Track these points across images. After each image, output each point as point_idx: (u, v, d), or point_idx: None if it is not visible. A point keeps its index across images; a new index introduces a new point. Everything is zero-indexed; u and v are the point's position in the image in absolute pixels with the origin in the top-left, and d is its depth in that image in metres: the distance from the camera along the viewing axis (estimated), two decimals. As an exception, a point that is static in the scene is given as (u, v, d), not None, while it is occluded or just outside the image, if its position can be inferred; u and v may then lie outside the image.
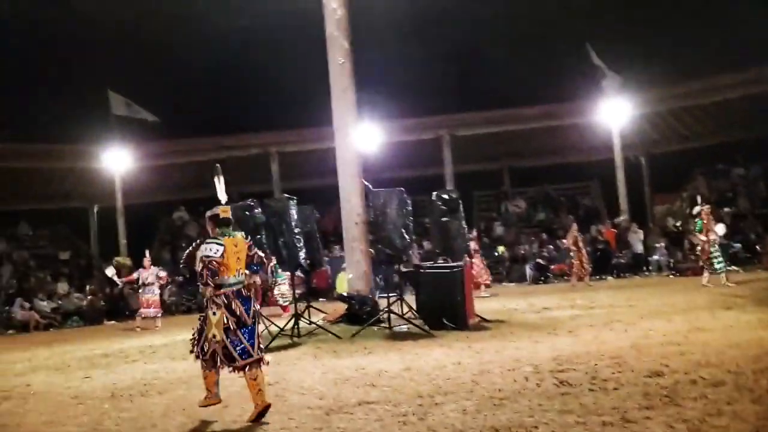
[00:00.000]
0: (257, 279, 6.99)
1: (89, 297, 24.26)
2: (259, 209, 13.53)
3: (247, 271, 6.79)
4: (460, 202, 13.65)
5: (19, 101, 29.00)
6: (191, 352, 6.90)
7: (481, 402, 6.44)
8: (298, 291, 15.97)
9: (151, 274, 18.02)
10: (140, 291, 18.24)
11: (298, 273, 15.50)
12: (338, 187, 14.66)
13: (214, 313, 6.58)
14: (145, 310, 17.94)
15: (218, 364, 6.67)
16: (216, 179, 7.33)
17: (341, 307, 14.51)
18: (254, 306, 6.76)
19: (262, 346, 6.88)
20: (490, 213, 31.01)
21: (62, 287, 25.30)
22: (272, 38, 25.90)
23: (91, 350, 13.79)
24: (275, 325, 13.18)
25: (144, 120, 26.82)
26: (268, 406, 6.48)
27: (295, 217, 13.16)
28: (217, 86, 30.78)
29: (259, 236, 13.42)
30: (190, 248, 7.02)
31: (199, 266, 6.63)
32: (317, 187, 26.87)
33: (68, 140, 27.70)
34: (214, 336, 6.54)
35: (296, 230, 13.07)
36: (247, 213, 13.61)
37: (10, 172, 27.02)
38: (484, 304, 15.31)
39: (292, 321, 12.80)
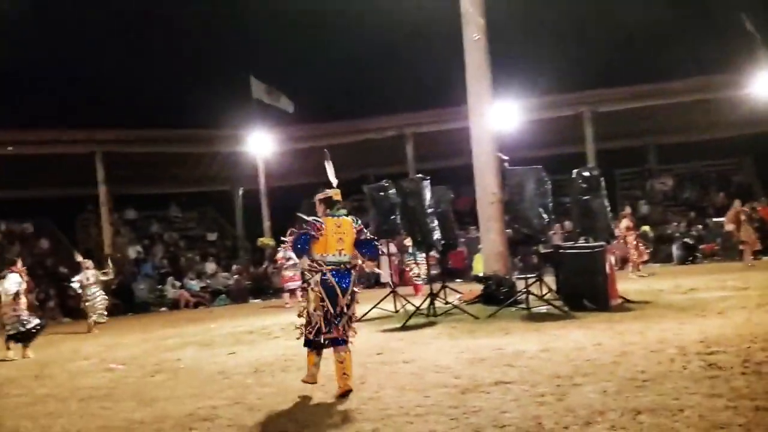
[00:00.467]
0: (369, 264, 7.11)
1: (235, 276, 25.23)
2: (394, 190, 13.59)
3: (350, 254, 6.90)
4: (602, 180, 13.18)
5: (171, 89, 30.43)
6: (300, 336, 7.00)
7: (622, 383, 6.18)
8: (433, 271, 15.96)
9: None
10: (285, 269, 18.78)
11: (433, 253, 15.47)
12: (473, 166, 14.51)
13: (311, 290, 6.75)
14: (290, 284, 18.44)
15: (319, 342, 6.76)
16: (326, 163, 7.55)
17: (477, 288, 14.41)
18: (353, 288, 6.83)
19: (352, 329, 6.94)
20: (633, 191, 29.90)
21: (210, 267, 26.42)
22: (407, 19, 25.86)
23: (236, 327, 14.30)
24: (411, 303, 13.23)
25: (283, 107, 27.46)
26: (349, 391, 6.61)
27: (429, 197, 13.09)
28: (353, 69, 31.16)
29: (393, 217, 13.53)
30: (299, 228, 7.10)
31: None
32: (452, 167, 26.76)
33: (214, 125, 28.76)
34: (315, 310, 6.71)
35: (430, 210, 13.01)
36: (381, 194, 13.73)
37: (162, 156, 28.36)
38: (628, 284, 14.75)
39: (428, 300, 12.79)
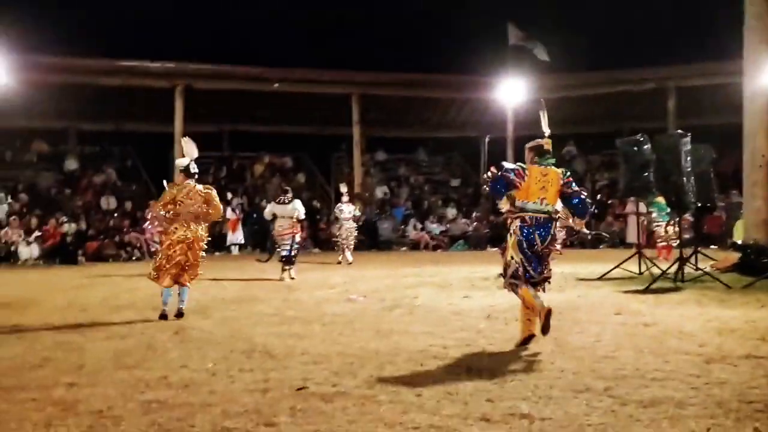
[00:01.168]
0: (578, 221, 7.11)
1: (475, 223, 25.39)
2: (648, 145, 12.86)
3: (552, 203, 6.83)
4: None
5: (425, 33, 30.85)
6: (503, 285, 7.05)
7: None
8: (685, 235, 15.03)
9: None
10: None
11: (688, 216, 14.57)
12: (742, 126, 13.39)
13: (510, 236, 6.84)
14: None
15: (518, 284, 6.75)
16: (541, 113, 7.59)
17: (734, 256, 13.40)
18: (553, 236, 6.78)
19: (547, 276, 6.92)
20: None
21: (451, 212, 26.82)
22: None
23: (472, 273, 14.41)
24: (657, 266, 12.58)
25: (539, 55, 26.84)
26: (531, 336, 6.67)
27: (688, 155, 12.24)
28: (612, 18, 29.78)
29: (646, 173, 12.83)
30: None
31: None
32: (717, 125, 24.82)
33: (467, 71, 28.79)
34: (512, 257, 6.76)
35: (688, 170, 12.16)
36: (634, 148, 13.06)
37: (414, 100, 28.97)
38: None
39: (677, 265, 12.07)
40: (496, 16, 27.29)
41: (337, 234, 17.96)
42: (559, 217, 7.02)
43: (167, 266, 8.68)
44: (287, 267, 13.82)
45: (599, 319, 8.30)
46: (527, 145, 7.15)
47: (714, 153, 14.47)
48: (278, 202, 14.12)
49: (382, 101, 28.73)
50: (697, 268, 12.54)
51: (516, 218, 6.81)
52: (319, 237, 25.03)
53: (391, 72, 27.97)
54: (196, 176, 9.04)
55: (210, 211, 8.92)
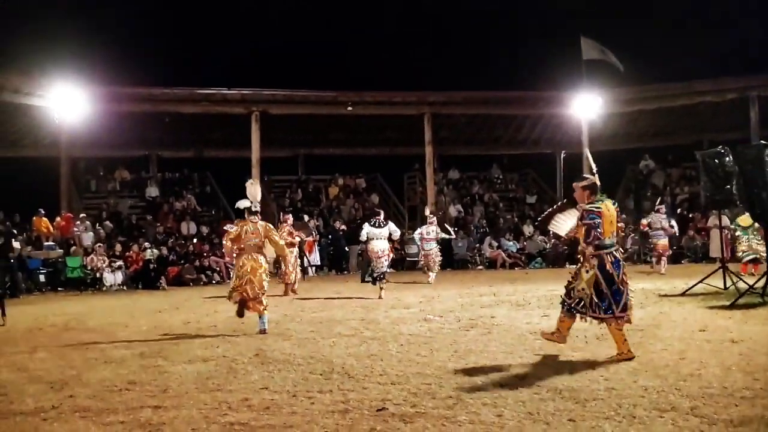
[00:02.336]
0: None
1: (552, 240, 25.04)
2: (730, 157, 12.51)
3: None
4: None
5: (496, 51, 30.78)
6: (562, 303, 7.38)
7: None
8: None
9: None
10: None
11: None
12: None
13: (587, 271, 7.10)
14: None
15: (580, 313, 7.12)
16: (587, 153, 8.31)
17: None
18: (623, 269, 7.11)
19: (628, 305, 7.06)
20: None
21: (528, 229, 26.52)
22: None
23: (550, 291, 14.22)
24: (743, 281, 12.19)
25: (613, 66, 26.47)
26: (630, 358, 6.82)
27: (772, 166, 11.84)
28: (687, 28, 29.21)
29: (728, 186, 12.48)
30: (554, 207, 7.82)
31: (581, 229, 7.24)
32: (803, 134, 24.06)
33: (540, 87, 28.61)
34: (583, 289, 7.07)
35: (773, 181, 11.77)
36: (716, 161, 12.73)
37: (486, 118, 28.90)
38: None
39: (764, 280, 11.67)
40: (568, 30, 27.10)
41: (421, 255, 18.31)
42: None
43: (239, 287, 9.77)
44: (383, 286, 14.35)
45: (683, 336, 8.10)
46: (580, 184, 7.42)
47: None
48: (373, 225, 14.67)
49: (454, 120, 28.75)
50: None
51: (595, 255, 7.09)
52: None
53: (463, 90, 28.00)
54: (258, 214, 10.15)
55: (271, 245, 10.13)
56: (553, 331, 7.43)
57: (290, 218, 16.93)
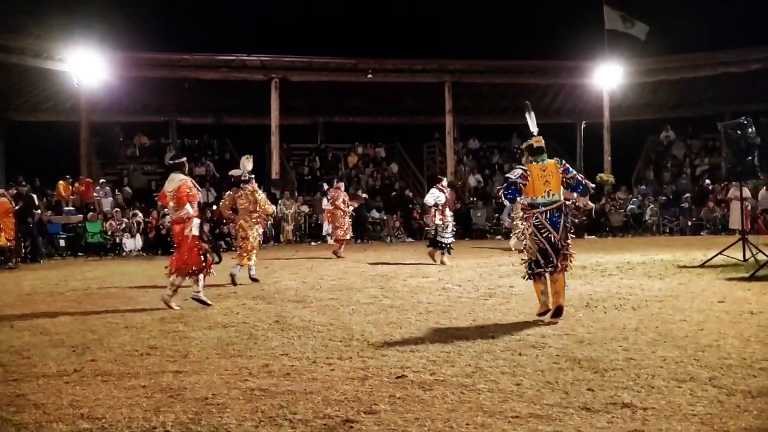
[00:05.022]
0: (582, 199, 7.43)
1: (573, 210, 24.97)
2: (753, 128, 12.39)
3: (557, 192, 7.55)
4: None
5: (520, 19, 30.43)
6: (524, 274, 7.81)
7: None
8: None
9: None
10: None
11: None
12: None
13: (526, 229, 7.59)
14: None
15: (537, 275, 7.56)
16: (527, 114, 8.21)
17: None
18: (565, 223, 7.58)
19: (570, 258, 7.67)
20: None
21: (546, 199, 26.39)
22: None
23: (569, 261, 14.18)
24: (763, 253, 12.10)
25: (637, 35, 26.14)
26: (559, 307, 7.43)
27: (796, 137, 11.74)
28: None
29: (750, 158, 12.39)
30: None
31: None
32: (827, 106, 23.79)
33: (562, 56, 28.35)
34: (528, 247, 7.57)
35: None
36: (738, 132, 12.61)
37: (507, 87, 28.73)
38: None
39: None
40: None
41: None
42: (565, 203, 7.71)
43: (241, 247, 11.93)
44: (449, 253, 14.66)
45: (702, 307, 8.08)
46: (521, 146, 7.77)
47: (824, 135, 13.81)
48: (442, 190, 14.67)
49: (475, 89, 28.57)
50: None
51: (528, 215, 7.58)
52: (411, 226, 25.12)
53: (484, 59, 27.79)
54: (251, 182, 12.01)
55: (258, 208, 11.89)
56: (540, 305, 7.64)
57: (342, 186, 18.27)
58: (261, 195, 12.08)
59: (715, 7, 28.59)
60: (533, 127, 8.02)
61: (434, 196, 14.54)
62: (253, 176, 12.16)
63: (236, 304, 9.35)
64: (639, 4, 26.31)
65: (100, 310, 9.21)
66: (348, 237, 17.78)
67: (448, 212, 14.78)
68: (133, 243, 20.52)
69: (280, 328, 7.55)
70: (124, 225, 20.70)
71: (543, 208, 7.51)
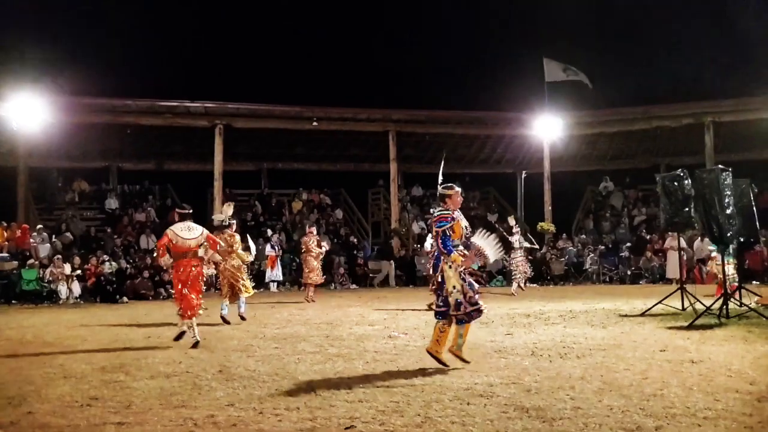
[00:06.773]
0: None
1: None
2: (689, 180, 12.79)
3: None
4: None
5: (460, 72, 31.01)
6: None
7: None
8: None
9: None
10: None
11: (729, 251, 14.36)
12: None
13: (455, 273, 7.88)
14: None
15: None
16: (441, 164, 9.12)
17: (778, 292, 13.20)
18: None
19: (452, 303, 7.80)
20: None
21: (489, 248, 26.63)
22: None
23: (513, 309, 14.33)
24: (700, 302, 12.41)
25: (579, 84, 26.82)
26: (434, 357, 7.80)
27: (729, 190, 12.13)
28: (647, 53, 29.83)
29: (687, 209, 12.75)
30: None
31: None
32: (757, 160, 24.75)
33: (502, 108, 28.95)
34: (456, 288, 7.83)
35: (729, 204, 12.05)
36: (675, 184, 13.00)
37: (449, 137, 29.09)
38: None
39: (721, 301, 11.91)
40: (530, 53, 27.49)
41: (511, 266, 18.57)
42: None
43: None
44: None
45: (644, 356, 8.21)
46: (445, 193, 7.98)
47: (755, 188, 14.32)
48: None
49: (416, 138, 28.89)
50: (742, 304, 12.37)
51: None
52: (356, 273, 25.08)
53: (425, 110, 28.19)
54: (231, 227, 13.18)
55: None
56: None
57: (314, 230, 18.85)
58: (238, 243, 13.15)
59: (648, 64, 29.70)
60: (440, 176, 8.59)
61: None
62: (234, 221, 13.48)
63: (178, 353, 9.17)
64: (576, 59, 27.09)
65: (37, 359, 8.93)
66: (321, 281, 18.15)
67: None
68: (66, 291, 19.91)
69: (225, 377, 7.42)
70: (69, 272, 20.15)
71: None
